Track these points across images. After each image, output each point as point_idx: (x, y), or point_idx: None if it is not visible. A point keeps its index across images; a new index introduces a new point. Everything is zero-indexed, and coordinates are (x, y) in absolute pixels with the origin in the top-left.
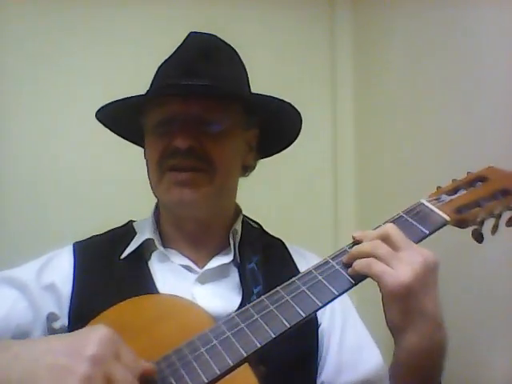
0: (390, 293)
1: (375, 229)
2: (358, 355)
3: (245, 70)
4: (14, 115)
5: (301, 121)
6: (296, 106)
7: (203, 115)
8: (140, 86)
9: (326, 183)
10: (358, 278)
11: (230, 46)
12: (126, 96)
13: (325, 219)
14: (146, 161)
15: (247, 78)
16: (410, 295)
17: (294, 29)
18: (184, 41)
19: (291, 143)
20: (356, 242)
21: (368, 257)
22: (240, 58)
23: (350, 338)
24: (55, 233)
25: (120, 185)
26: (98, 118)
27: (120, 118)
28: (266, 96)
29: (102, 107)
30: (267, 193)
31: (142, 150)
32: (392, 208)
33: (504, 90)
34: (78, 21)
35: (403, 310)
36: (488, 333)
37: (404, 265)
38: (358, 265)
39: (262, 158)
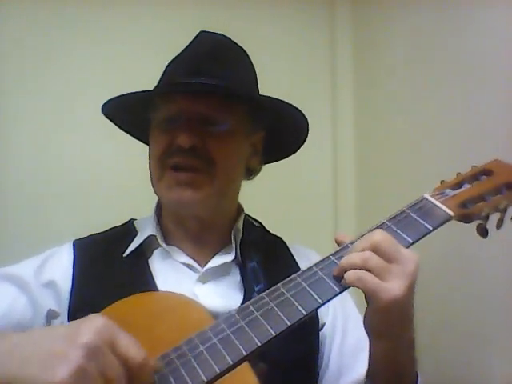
0: (380, 307)
1: (364, 234)
2: (357, 357)
3: (254, 71)
4: (15, 115)
5: (307, 125)
6: (296, 106)
7: (209, 114)
8: (142, 85)
9: (326, 183)
10: None
11: (240, 47)
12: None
13: (325, 219)
14: (149, 157)
15: (256, 80)
16: (398, 308)
17: (294, 29)
18: (194, 39)
19: (297, 149)
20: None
21: (360, 269)
22: (250, 60)
23: (351, 340)
24: (55, 232)
25: (120, 184)
26: (104, 113)
27: (126, 113)
28: (272, 98)
29: (109, 101)
30: (267, 192)
31: (143, 148)
32: (392, 208)
33: (504, 91)
34: (79, 20)
35: (388, 320)
36: (488, 332)
37: (397, 279)
38: (351, 277)
39: (267, 163)
